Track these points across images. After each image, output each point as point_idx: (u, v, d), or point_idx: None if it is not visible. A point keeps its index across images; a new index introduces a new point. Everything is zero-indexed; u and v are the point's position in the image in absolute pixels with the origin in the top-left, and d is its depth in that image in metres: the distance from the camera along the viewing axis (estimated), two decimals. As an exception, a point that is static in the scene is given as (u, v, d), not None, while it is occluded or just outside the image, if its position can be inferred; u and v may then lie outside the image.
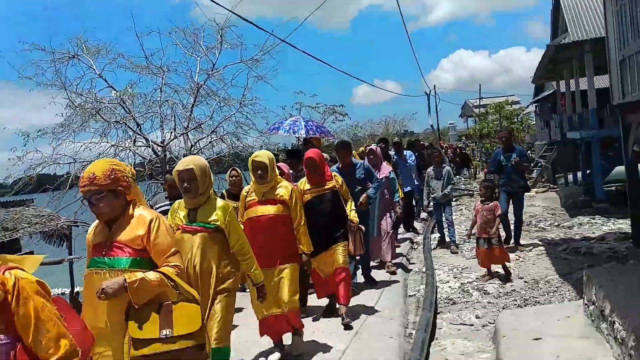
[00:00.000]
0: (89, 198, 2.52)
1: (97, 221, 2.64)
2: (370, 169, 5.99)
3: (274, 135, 10.72)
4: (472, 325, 5.17)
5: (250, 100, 12.07)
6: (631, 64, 7.25)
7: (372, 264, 6.54)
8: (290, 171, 5.51)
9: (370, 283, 6.07)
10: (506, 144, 8.16)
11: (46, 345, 1.84)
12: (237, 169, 6.05)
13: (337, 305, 4.83)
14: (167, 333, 2.37)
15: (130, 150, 11.14)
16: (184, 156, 10.88)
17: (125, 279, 2.38)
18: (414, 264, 7.72)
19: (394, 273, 6.54)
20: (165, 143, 10.95)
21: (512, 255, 7.51)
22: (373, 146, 7.17)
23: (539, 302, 5.56)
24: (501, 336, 4.26)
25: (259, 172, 4.01)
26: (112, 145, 11.03)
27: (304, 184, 4.83)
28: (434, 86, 34.81)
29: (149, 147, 10.94)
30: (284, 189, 4.08)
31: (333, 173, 4.96)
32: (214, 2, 7.09)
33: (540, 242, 8.47)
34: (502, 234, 7.19)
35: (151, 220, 2.55)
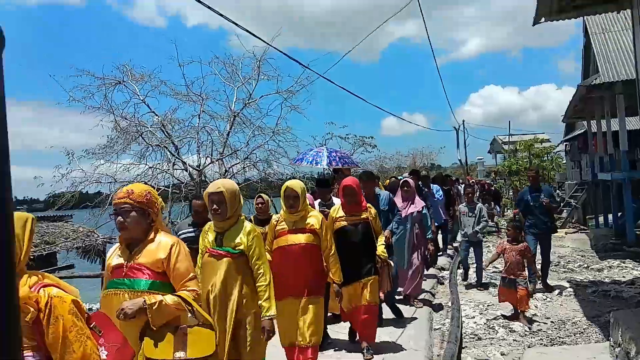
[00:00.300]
0: (119, 210, 2.61)
1: (117, 244, 2.74)
2: (394, 201, 5.93)
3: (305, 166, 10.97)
4: (497, 362, 5.22)
5: (284, 129, 12.52)
6: (663, 109, 7.31)
7: (396, 297, 6.47)
8: (317, 201, 5.57)
9: (396, 315, 6.01)
10: (533, 183, 8.07)
11: None
12: (263, 195, 6.10)
13: (359, 339, 4.81)
14: (181, 355, 2.42)
15: (167, 172, 11.63)
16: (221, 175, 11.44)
17: (144, 301, 2.44)
18: (440, 299, 7.73)
19: (419, 307, 6.55)
20: (201, 167, 11.39)
21: (539, 295, 7.51)
22: (408, 178, 7.07)
23: (565, 343, 5.57)
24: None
25: (291, 201, 4.01)
26: (150, 167, 11.55)
27: (337, 210, 4.79)
28: (463, 121, 34.94)
29: (186, 170, 11.39)
30: (314, 218, 4.09)
31: (368, 205, 4.84)
32: (253, 34, 7.53)
33: (568, 284, 8.41)
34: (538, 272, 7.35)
35: (172, 245, 2.63)
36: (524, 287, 6.31)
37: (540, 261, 8.08)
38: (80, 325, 1.95)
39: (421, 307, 6.57)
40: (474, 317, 6.77)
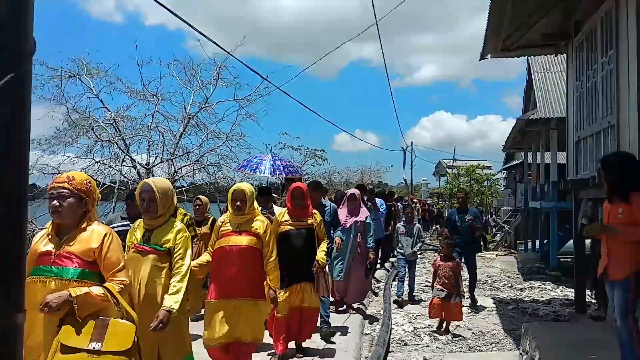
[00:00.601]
0: (56, 194, 2.56)
1: (45, 230, 2.70)
2: (337, 214, 6.27)
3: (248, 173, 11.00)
4: (419, 365, 5.63)
5: (237, 136, 12.69)
6: (584, 146, 8.10)
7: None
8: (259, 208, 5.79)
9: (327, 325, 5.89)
10: (461, 205, 8.64)
11: None
12: (201, 197, 6.39)
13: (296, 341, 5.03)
14: (96, 347, 2.38)
15: (115, 168, 11.52)
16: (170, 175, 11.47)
17: (69, 293, 2.41)
18: (372, 310, 8.02)
19: (353, 314, 6.85)
20: (149, 166, 11.36)
21: (464, 309, 8.04)
22: (354, 191, 7.28)
23: (481, 351, 6.07)
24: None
25: (238, 203, 4.00)
26: (97, 162, 11.40)
27: (282, 214, 4.90)
28: (412, 143, 36.23)
29: (134, 167, 11.33)
30: (260, 222, 4.07)
31: (314, 211, 4.98)
32: (215, 43, 7.76)
33: (492, 300, 9.05)
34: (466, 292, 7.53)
35: (105, 235, 2.64)
36: (458, 301, 6.70)
37: (467, 279, 8.63)
38: None
39: (355, 314, 6.84)
40: (402, 325, 7.20)
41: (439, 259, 6.97)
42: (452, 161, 37.67)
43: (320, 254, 4.80)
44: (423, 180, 49.92)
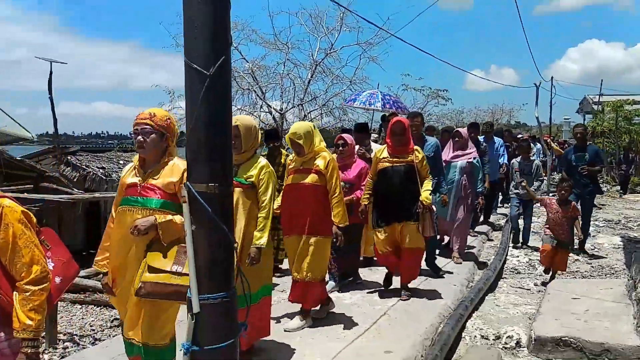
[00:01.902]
0: (140, 130, 2.70)
1: (132, 164, 2.88)
2: (440, 153, 5.85)
3: (357, 107, 10.48)
4: (529, 289, 6.03)
5: (360, 79, 13.31)
6: None
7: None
8: (357, 146, 5.54)
9: (435, 271, 5.81)
10: (579, 142, 7.56)
11: (19, 269, 2.08)
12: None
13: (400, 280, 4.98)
14: (178, 269, 2.54)
15: (253, 114, 12.93)
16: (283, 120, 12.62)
17: (155, 218, 2.60)
18: (486, 258, 7.18)
19: (458, 263, 6.36)
20: (283, 111, 12.57)
21: (588, 246, 7.97)
22: (461, 129, 6.90)
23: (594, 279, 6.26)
24: (547, 294, 5.15)
25: (296, 148, 4.01)
26: (238, 109, 12.89)
27: (382, 151, 4.83)
28: (552, 78, 33.38)
29: (270, 113, 12.63)
30: (321, 159, 4.00)
31: (416, 147, 4.84)
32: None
33: (620, 238, 8.82)
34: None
35: (184, 170, 2.54)
36: (565, 251, 6.08)
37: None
38: (29, 234, 2.11)
39: (460, 263, 6.36)
40: (518, 256, 7.53)
41: (553, 201, 6.27)
42: (598, 96, 34.08)
43: (425, 194, 4.68)
44: (565, 118, 45.87)
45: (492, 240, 8.51)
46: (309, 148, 3.98)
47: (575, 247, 7.42)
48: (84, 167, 10.09)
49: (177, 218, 2.61)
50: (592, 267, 7.03)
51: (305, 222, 3.94)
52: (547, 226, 6.18)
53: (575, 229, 6.13)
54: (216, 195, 1.84)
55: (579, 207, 7.07)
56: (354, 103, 8.83)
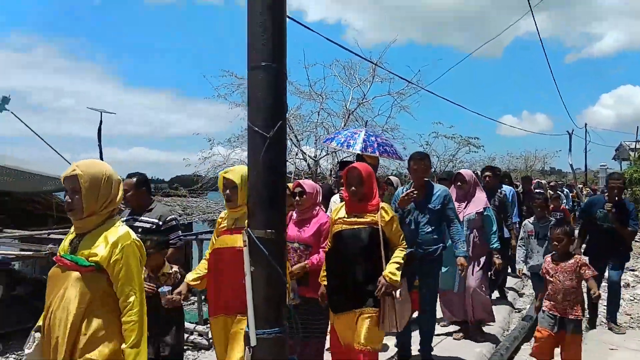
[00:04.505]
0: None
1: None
2: (452, 203, 4.44)
3: (335, 148, 9.59)
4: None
5: (392, 127, 13.69)
6: None
7: (450, 328, 5.44)
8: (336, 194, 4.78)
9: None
10: (614, 196, 5.60)
11: None
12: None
13: None
14: None
15: (288, 161, 13.41)
16: (330, 170, 12.97)
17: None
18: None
19: (481, 341, 5.14)
20: (317, 158, 12.99)
21: (626, 296, 7.80)
22: (464, 171, 5.42)
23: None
24: (583, 344, 5.12)
25: (227, 191, 3.18)
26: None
27: (339, 209, 3.68)
28: (585, 125, 33.20)
29: (304, 160, 13.08)
30: None
31: (383, 205, 3.56)
32: (356, 54, 8.72)
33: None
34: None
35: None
36: (576, 333, 4.01)
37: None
38: None
39: (483, 342, 5.14)
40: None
41: (548, 259, 4.21)
42: (634, 143, 33.54)
43: (390, 268, 3.37)
44: (601, 165, 45.08)
45: (518, 310, 7.01)
46: (245, 198, 2.83)
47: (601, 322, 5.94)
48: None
49: None
50: (632, 318, 6.89)
51: (235, 299, 2.89)
52: (548, 303, 4.09)
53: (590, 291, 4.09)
54: (272, 241, 2.11)
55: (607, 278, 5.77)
56: (330, 143, 7.21)
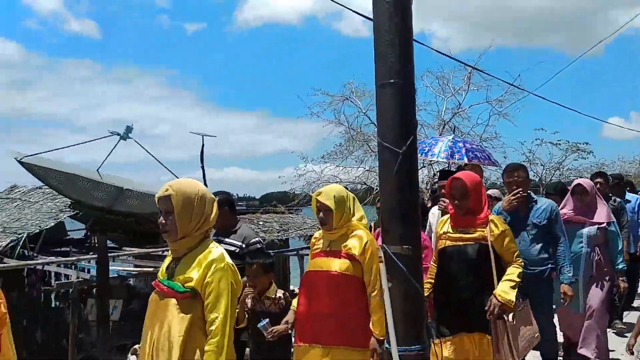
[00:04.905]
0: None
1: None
2: (560, 219, 3.94)
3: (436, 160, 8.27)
4: None
5: (491, 137, 13.16)
6: None
7: None
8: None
9: None
10: None
11: None
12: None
13: None
14: None
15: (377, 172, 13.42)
16: (426, 184, 12.74)
17: None
18: None
19: None
20: (413, 170, 12.86)
21: None
22: (582, 180, 4.78)
23: None
24: None
25: (321, 214, 3.00)
26: (366, 170, 13.45)
27: (443, 223, 3.41)
28: None
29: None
30: (356, 239, 2.94)
31: (493, 217, 3.26)
32: (459, 61, 8.49)
33: None
34: None
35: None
36: None
37: None
38: None
39: None
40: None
41: None
42: None
43: (502, 287, 3.05)
44: None
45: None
46: (340, 221, 2.93)
47: None
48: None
49: None
50: None
51: (329, 326, 2.85)
52: None
53: None
54: (408, 256, 2.10)
55: None
56: (426, 156, 6.41)
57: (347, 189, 3.23)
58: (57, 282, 7.06)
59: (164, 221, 2.24)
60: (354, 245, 2.91)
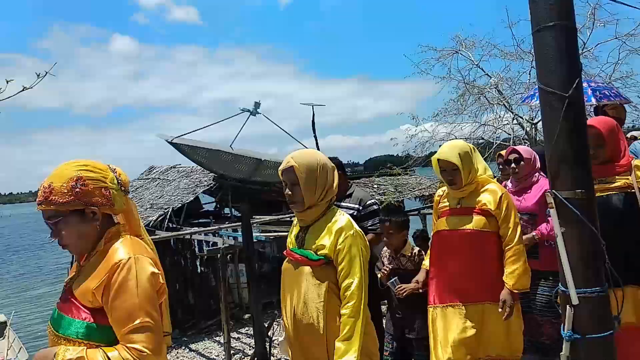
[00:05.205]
0: (46, 221, 1.66)
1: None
2: None
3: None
4: None
5: (622, 76, 11.89)
6: None
7: None
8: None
9: None
10: None
11: None
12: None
13: None
14: None
15: (499, 129, 12.75)
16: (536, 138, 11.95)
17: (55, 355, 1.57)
18: None
19: None
20: (534, 120, 12.07)
21: None
22: None
23: None
24: None
25: (447, 176, 2.98)
26: (482, 125, 12.90)
27: None
28: None
29: (520, 125, 12.28)
30: (489, 194, 2.88)
31: (638, 162, 2.89)
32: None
33: None
34: None
35: (116, 265, 1.60)
36: None
37: None
38: None
39: None
40: None
41: None
42: None
43: None
44: None
45: None
46: (468, 177, 2.90)
47: None
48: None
49: (91, 355, 1.56)
50: None
51: (468, 286, 2.86)
52: None
53: None
54: (582, 200, 2.08)
55: None
56: (530, 101, 5.93)
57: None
58: (206, 249, 7.84)
59: (290, 192, 2.34)
60: (488, 200, 2.87)
